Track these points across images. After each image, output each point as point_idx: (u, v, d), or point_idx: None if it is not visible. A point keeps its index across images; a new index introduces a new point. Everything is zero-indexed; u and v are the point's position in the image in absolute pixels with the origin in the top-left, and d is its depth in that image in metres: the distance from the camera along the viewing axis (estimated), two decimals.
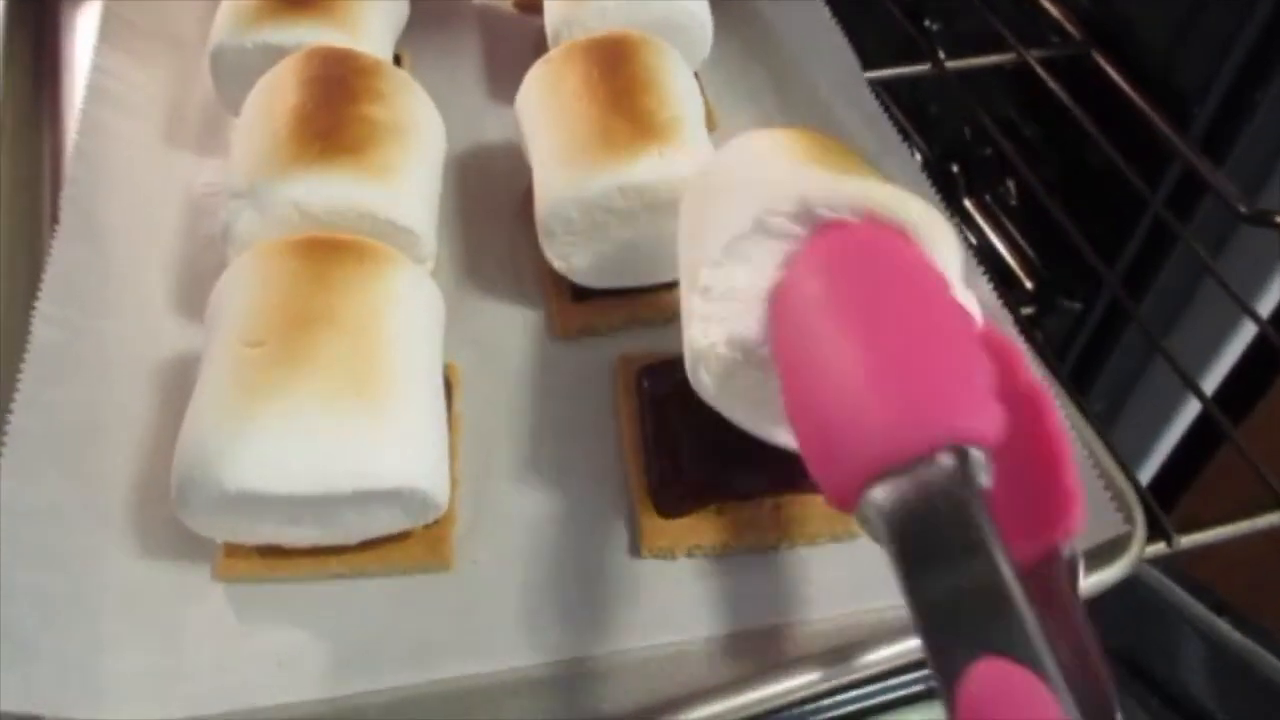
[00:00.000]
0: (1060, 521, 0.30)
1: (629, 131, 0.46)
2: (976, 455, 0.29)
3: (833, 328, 0.32)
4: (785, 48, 0.62)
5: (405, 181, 0.45)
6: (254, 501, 0.37)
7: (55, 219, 0.52)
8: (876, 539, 0.29)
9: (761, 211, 0.35)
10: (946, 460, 0.28)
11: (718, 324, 0.37)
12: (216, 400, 0.37)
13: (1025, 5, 0.68)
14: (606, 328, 0.51)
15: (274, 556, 0.41)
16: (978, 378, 0.30)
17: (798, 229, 0.35)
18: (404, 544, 0.42)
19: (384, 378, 0.38)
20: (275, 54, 0.50)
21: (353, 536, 0.40)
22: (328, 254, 0.40)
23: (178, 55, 0.61)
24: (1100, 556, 0.41)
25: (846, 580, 0.41)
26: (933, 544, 0.28)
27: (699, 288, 0.37)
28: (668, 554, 0.43)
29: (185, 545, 0.41)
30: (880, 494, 0.29)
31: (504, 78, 0.63)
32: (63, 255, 0.48)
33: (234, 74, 0.51)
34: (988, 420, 0.29)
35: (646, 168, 0.46)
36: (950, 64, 0.66)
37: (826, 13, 0.60)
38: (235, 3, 0.52)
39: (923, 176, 0.53)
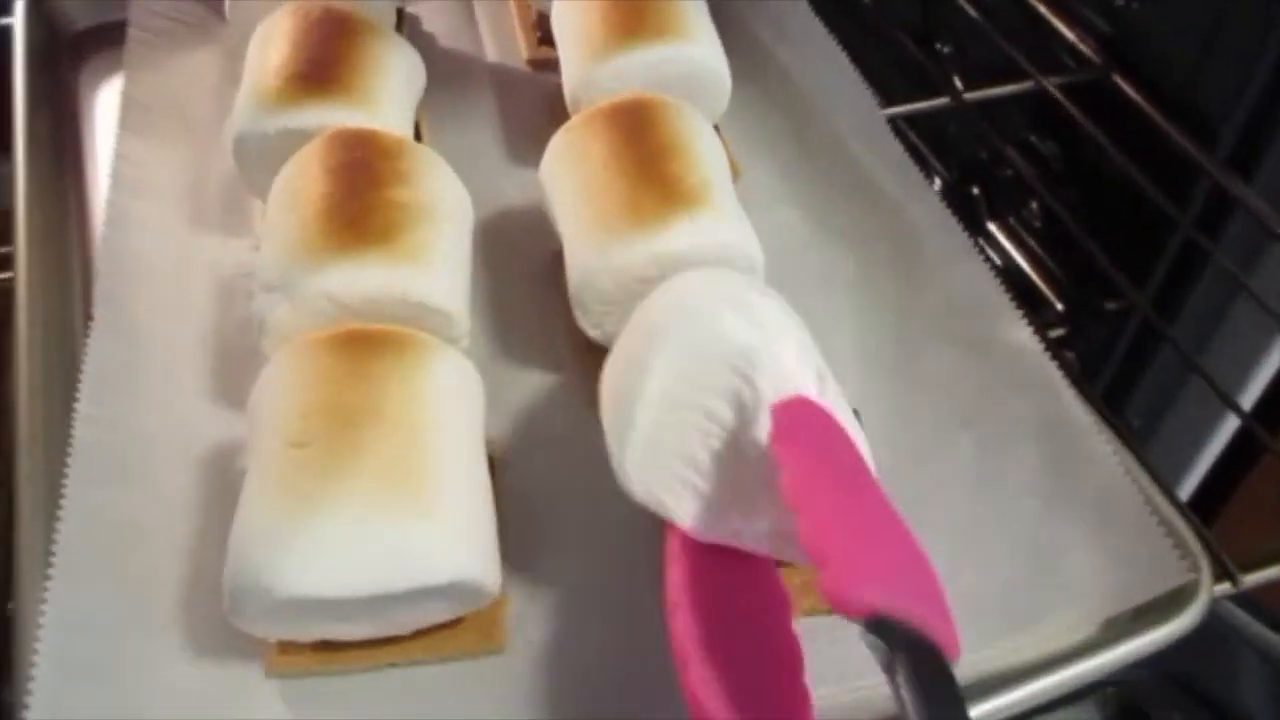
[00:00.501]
0: None
1: (658, 199, 0.46)
2: None
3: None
4: (803, 93, 0.62)
5: (437, 263, 0.45)
6: (307, 606, 0.36)
7: (86, 307, 0.52)
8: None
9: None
10: None
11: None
12: (265, 505, 0.37)
13: (1040, 29, 0.68)
14: None
15: (326, 650, 0.41)
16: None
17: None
18: (456, 630, 0.41)
19: (430, 472, 0.38)
20: (298, 137, 0.50)
21: (406, 628, 0.40)
22: (366, 348, 0.40)
23: (195, 136, 0.61)
24: (1168, 605, 0.41)
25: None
26: None
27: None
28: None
29: (236, 643, 0.41)
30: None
31: (522, 139, 0.63)
32: (99, 352, 0.48)
33: (257, 159, 0.51)
34: None
35: (677, 235, 0.46)
36: (969, 95, 0.65)
37: (842, 56, 0.60)
38: (254, 87, 0.51)
39: (954, 223, 0.53)
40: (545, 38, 0.67)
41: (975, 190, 0.86)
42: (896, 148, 0.56)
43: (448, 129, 0.61)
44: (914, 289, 0.52)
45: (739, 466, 0.38)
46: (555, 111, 0.64)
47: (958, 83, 0.68)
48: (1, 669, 0.42)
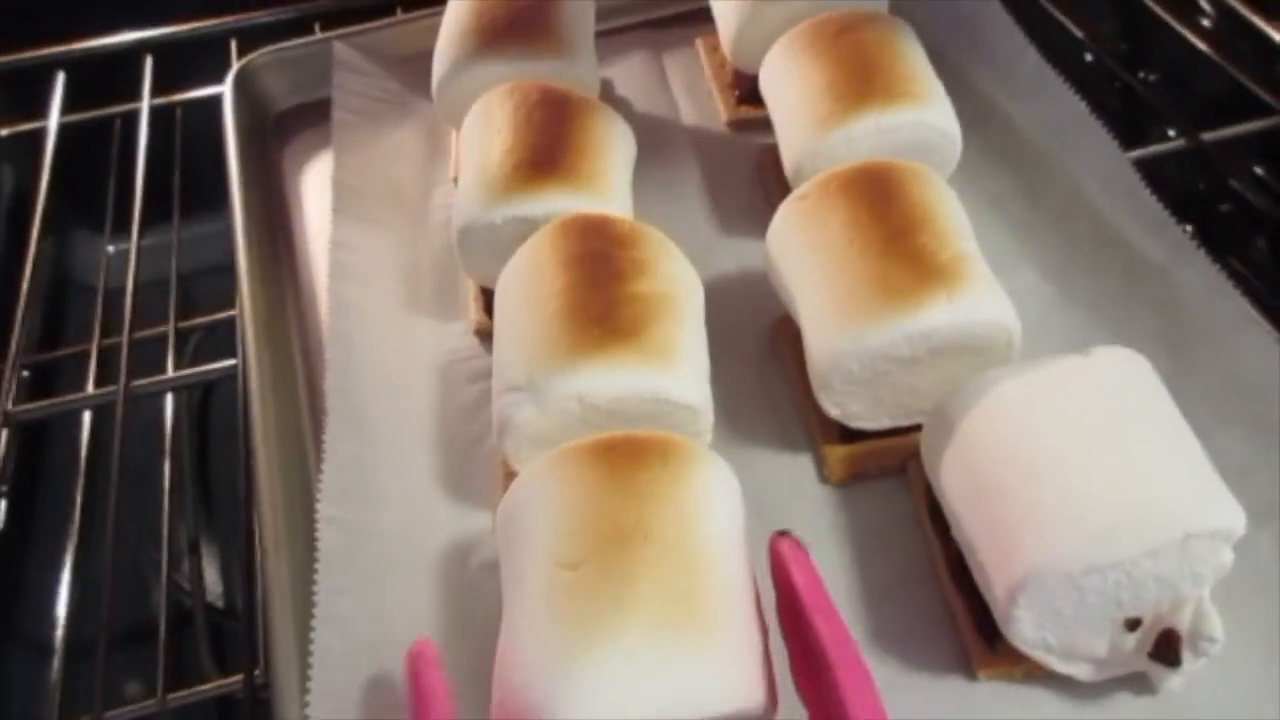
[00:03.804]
0: None
1: (910, 276, 0.44)
2: None
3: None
4: (1033, 144, 0.58)
5: (683, 358, 0.43)
6: None
7: (310, 388, 0.54)
8: None
9: None
10: None
11: None
12: (540, 634, 0.35)
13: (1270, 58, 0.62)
14: (881, 469, 0.49)
15: None
16: None
17: None
18: None
19: (705, 596, 0.36)
20: (525, 225, 0.49)
21: None
22: (629, 459, 0.38)
23: (405, 217, 0.62)
24: None
25: None
26: None
27: None
28: (1006, 678, 0.42)
29: None
30: None
31: (728, 205, 0.61)
32: (334, 449, 0.48)
33: (483, 247, 0.51)
34: None
35: (934, 314, 0.43)
36: (1208, 136, 0.60)
37: (1079, 103, 0.56)
38: (479, 175, 0.51)
39: (1229, 287, 0.48)
40: (744, 97, 0.65)
41: (1188, 227, 0.80)
42: (1152, 203, 0.51)
43: (654, 198, 0.60)
44: (1188, 362, 0.48)
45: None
46: (762, 174, 0.62)
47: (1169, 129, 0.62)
48: None
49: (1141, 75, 0.77)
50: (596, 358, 0.41)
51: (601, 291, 0.43)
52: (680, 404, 0.42)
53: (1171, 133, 0.64)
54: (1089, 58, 0.76)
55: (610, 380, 0.41)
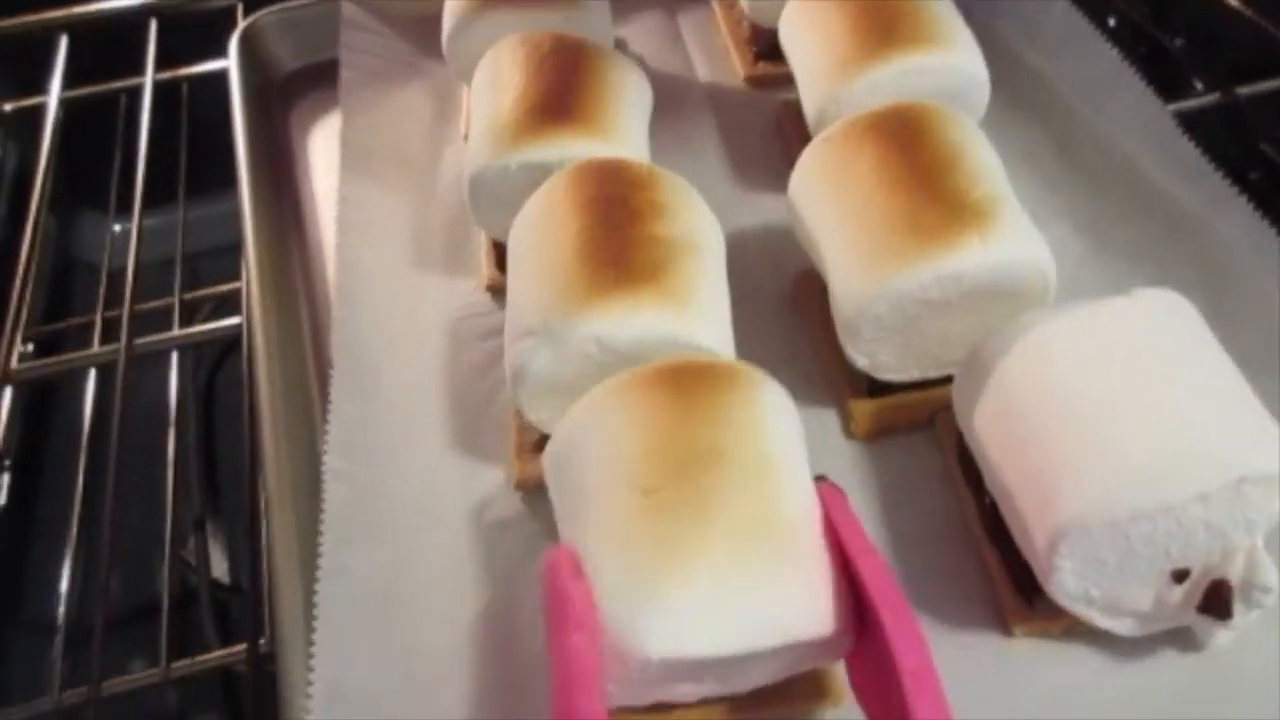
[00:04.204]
0: None
1: (942, 216, 0.42)
2: None
3: None
4: (1063, 95, 0.56)
5: (704, 301, 0.42)
6: (672, 667, 0.33)
7: (315, 345, 0.52)
8: None
9: None
10: None
11: None
12: (623, 561, 0.34)
13: None
14: (909, 424, 0.47)
15: (657, 713, 0.38)
16: None
17: None
18: (788, 686, 0.38)
19: (784, 521, 0.35)
20: (538, 172, 0.47)
21: (748, 686, 0.37)
22: (697, 382, 0.37)
23: (413, 176, 0.60)
24: None
25: None
26: None
27: None
28: (1043, 634, 0.40)
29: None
30: None
31: (746, 161, 0.60)
32: (341, 405, 0.47)
33: (495, 196, 0.49)
34: None
35: (967, 255, 0.41)
36: (1243, 90, 0.58)
37: (1113, 53, 0.54)
38: (491, 122, 0.49)
39: (1272, 236, 0.46)
40: (761, 53, 0.63)
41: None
42: (1191, 150, 0.49)
43: (671, 154, 0.57)
44: (1227, 312, 0.46)
45: None
46: (781, 129, 0.60)
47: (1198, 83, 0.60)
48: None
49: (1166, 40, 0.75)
50: (615, 300, 0.40)
51: (619, 234, 0.41)
52: (702, 348, 0.41)
53: (1199, 85, 0.62)
54: (1112, 22, 0.74)
55: (629, 322, 0.40)
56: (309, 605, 0.40)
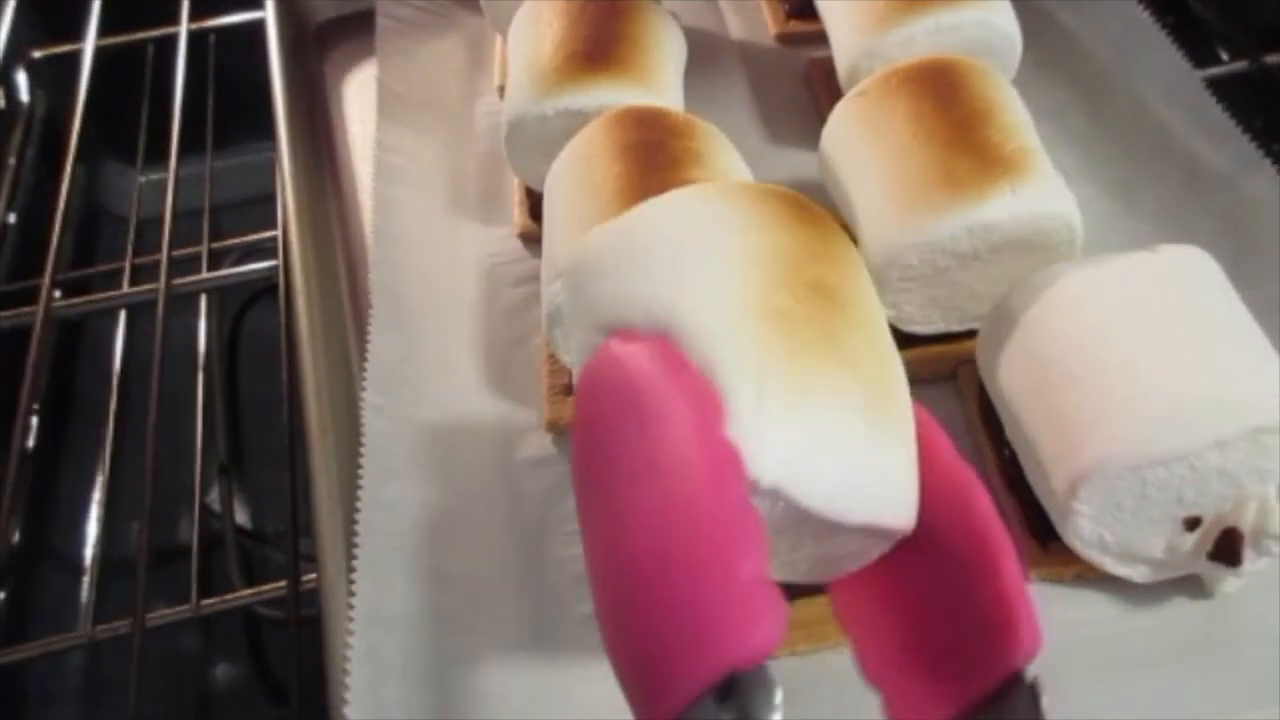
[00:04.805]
0: (1009, 644, 0.27)
1: (974, 168, 0.43)
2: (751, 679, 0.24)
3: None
4: (1093, 56, 0.56)
5: None
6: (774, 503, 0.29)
7: (351, 290, 0.53)
8: None
9: None
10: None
11: None
12: (758, 365, 0.28)
13: None
14: (932, 376, 0.48)
15: None
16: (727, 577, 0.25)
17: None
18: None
19: (897, 396, 0.31)
20: (576, 119, 0.48)
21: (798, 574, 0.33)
22: (810, 211, 0.33)
23: (448, 123, 0.61)
24: None
25: None
26: None
27: None
28: (1057, 579, 0.41)
29: (543, 647, 0.40)
30: None
31: (777, 117, 0.60)
32: (380, 342, 0.48)
33: (532, 142, 0.50)
34: (742, 639, 0.24)
35: (998, 206, 0.42)
36: (1270, 59, 0.59)
37: (1144, 14, 0.54)
38: (530, 68, 0.50)
39: None
40: (793, 11, 0.64)
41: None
42: (1218, 112, 0.50)
43: (702, 108, 0.58)
44: (1252, 272, 0.46)
45: None
46: (811, 86, 0.61)
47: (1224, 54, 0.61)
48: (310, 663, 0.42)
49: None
50: None
51: (657, 177, 0.42)
52: None
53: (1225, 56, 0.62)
54: None
55: None
56: (349, 537, 0.42)
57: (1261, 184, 0.48)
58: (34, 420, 0.69)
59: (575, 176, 0.45)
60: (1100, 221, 0.51)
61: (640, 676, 0.25)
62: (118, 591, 0.56)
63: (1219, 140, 0.50)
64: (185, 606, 0.51)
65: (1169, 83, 0.52)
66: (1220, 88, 0.57)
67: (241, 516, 0.67)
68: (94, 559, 0.63)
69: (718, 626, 0.24)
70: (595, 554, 0.28)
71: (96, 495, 0.67)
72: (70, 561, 0.66)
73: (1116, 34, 0.56)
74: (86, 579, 0.63)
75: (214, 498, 0.66)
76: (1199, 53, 0.65)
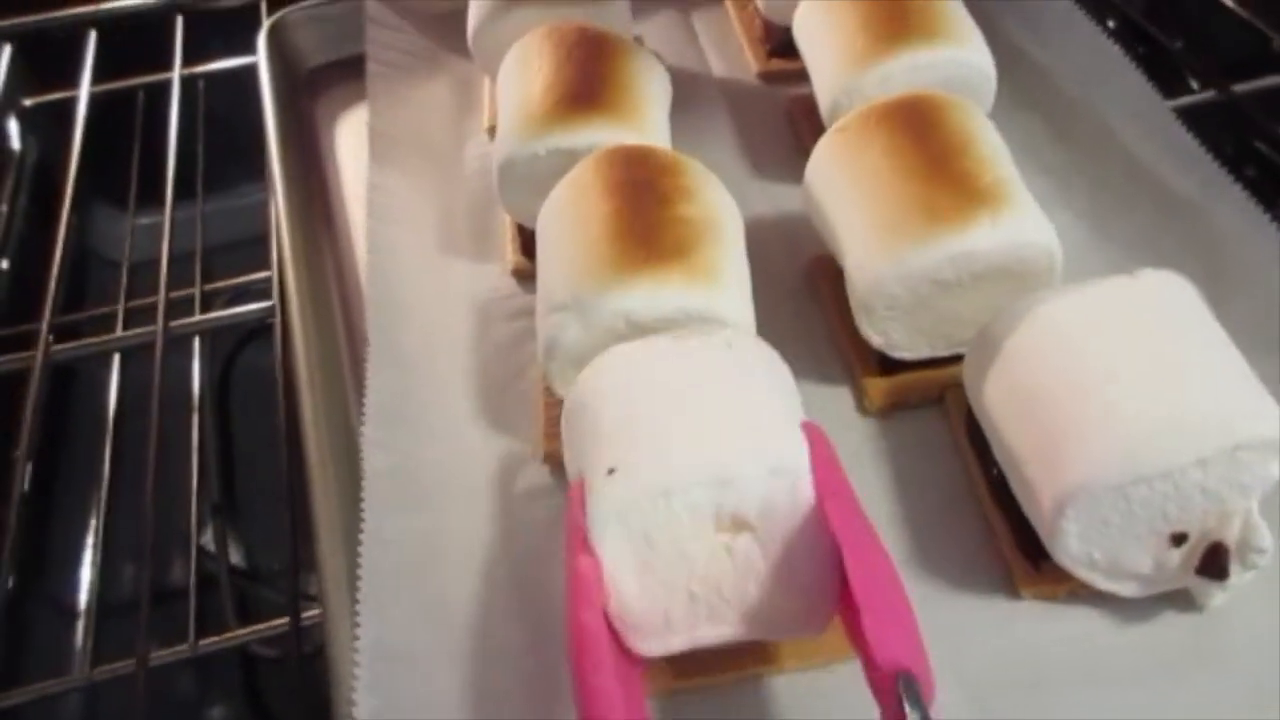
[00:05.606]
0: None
1: (954, 199, 0.44)
2: None
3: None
4: (1065, 89, 0.58)
5: (729, 278, 0.44)
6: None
7: (347, 327, 0.54)
8: None
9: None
10: None
11: None
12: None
13: None
14: (920, 400, 0.49)
15: (687, 665, 0.39)
16: None
17: None
18: (821, 639, 0.39)
19: None
20: (567, 158, 0.49)
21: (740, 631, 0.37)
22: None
23: (438, 165, 0.62)
24: None
25: None
26: None
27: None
28: (1049, 597, 0.42)
29: (543, 679, 0.40)
30: None
31: (761, 151, 0.62)
32: (377, 379, 0.49)
33: (523, 182, 0.51)
34: None
35: (978, 236, 0.44)
36: (1240, 87, 0.61)
37: (1113, 47, 0.56)
38: (519, 111, 0.51)
39: (1267, 223, 0.48)
40: (775, 50, 0.65)
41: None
42: (1189, 142, 0.52)
43: (687, 145, 0.59)
44: (1222, 295, 0.48)
45: None
46: (794, 122, 0.63)
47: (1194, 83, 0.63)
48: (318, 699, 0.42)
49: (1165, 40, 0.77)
50: (644, 276, 0.42)
51: (647, 215, 0.44)
52: (727, 321, 0.43)
53: (1196, 85, 0.64)
54: (1112, 23, 0.77)
55: (657, 298, 0.42)
56: (352, 571, 0.42)
57: (1231, 209, 0.50)
58: (28, 467, 0.70)
59: (569, 213, 0.46)
60: (1077, 248, 0.52)
61: None
62: (112, 634, 0.56)
63: (1189, 167, 0.52)
64: (183, 646, 0.52)
65: (1139, 112, 0.54)
66: (1190, 116, 0.59)
67: (235, 556, 0.68)
68: (89, 602, 0.63)
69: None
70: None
71: (89, 539, 0.67)
72: (64, 605, 0.66)
73: (1087, 67, 0.58)
74: (81, 622, 0.63)
75: (208, 538, 0.66)
76: (1169, 83, 0.67)
